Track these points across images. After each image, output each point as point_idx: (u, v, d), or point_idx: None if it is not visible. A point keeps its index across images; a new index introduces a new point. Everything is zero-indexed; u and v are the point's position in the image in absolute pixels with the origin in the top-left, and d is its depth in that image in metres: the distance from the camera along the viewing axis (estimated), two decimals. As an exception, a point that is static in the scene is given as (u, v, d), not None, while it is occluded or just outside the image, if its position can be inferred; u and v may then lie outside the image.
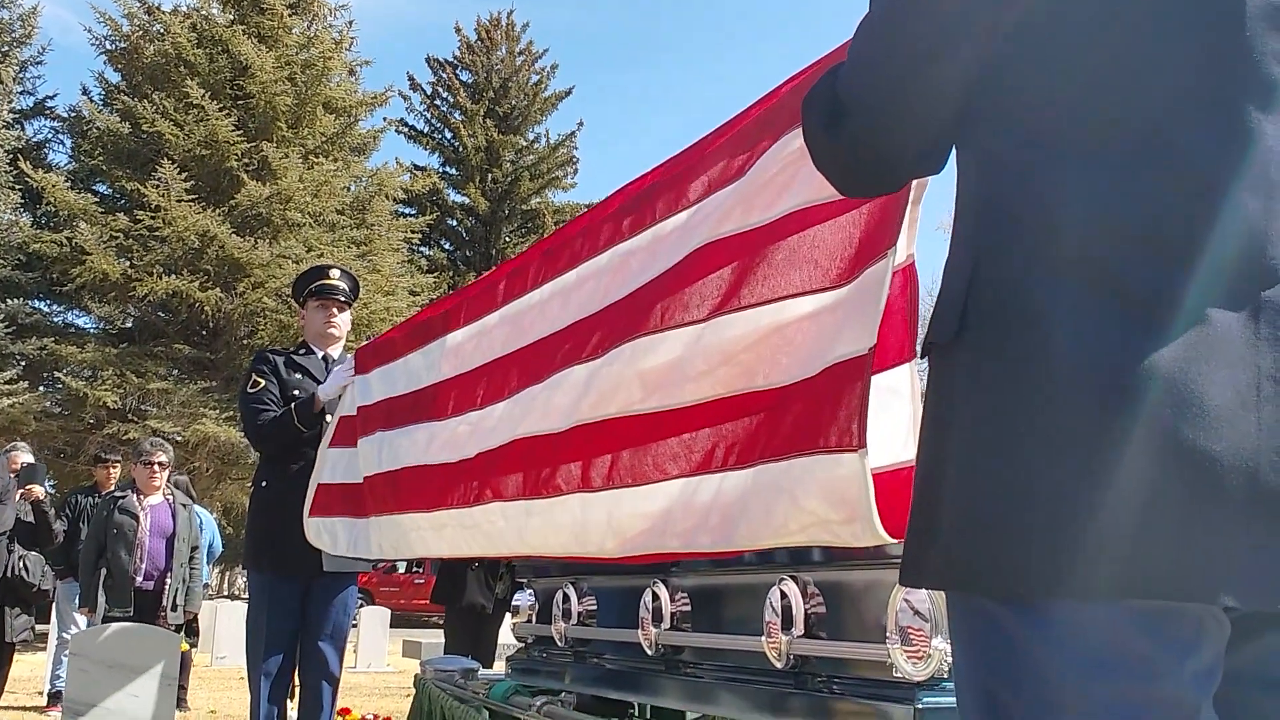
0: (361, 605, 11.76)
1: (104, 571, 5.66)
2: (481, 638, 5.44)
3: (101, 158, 16.66)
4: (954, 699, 1.85)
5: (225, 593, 26.49)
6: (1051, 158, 0.94)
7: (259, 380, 3.97)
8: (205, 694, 8.16)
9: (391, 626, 12.73)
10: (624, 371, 2.08)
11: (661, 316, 1.99)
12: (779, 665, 2.12)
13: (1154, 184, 0.91)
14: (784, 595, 2.13)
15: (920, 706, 1.80)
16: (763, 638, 2.15)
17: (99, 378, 15.13)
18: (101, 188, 17.23)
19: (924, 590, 1.84)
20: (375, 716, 4.84)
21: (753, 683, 2.24)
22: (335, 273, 4.13)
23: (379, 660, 11.61)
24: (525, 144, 28.98)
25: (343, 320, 4.13)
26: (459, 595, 5.36)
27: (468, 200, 28.08)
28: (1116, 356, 0.88)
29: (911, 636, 1.84)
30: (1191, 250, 0.89)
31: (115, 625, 3.95)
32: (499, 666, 5.23)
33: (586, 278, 2.41)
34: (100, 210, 15.76)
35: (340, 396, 3.73)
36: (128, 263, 15.19)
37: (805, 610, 2.09)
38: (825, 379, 1.57)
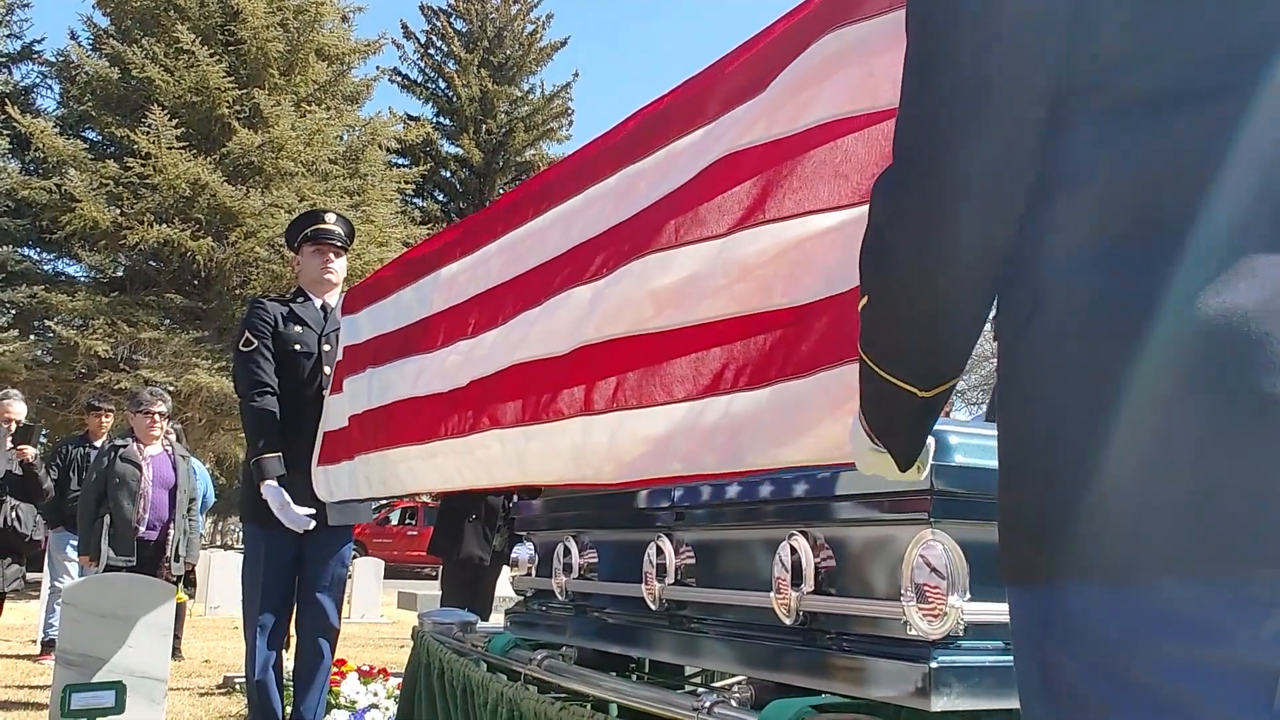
0: (355, 557, 11.76)
1: (107, 520, 5.62)
2: (479, 590, 5.41)
3: (91, 103, 16.42)
4: (969, 657, 1.82)
5: (218, 542, 26.57)
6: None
7: (252, 339, 3.86)
8: (199, 644, 8.16)
9: (385, 578, 12.75)
10: (633, 290, 1.99)
11: (676, 232, 1.89)
12: (788, 621, 2.07)
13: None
14: (794, 550, 2.08)
15: (935, 665, 1.75)
16: (771, 593, 2.10)
17: (90, 326, 15.02)
18: (91, 134, 17.00)
19: (940, 546, 1.80)
20: (371, 668, 4.81)
21: (760, 639, 2.19)
22: (331, 217, 4.02)
23: (373, 611, 11.65)
24: (520, 95, 28.73)
25: (339, 266, 4.03)
26: (456, 547, 5.32)
27: (461, 151, 27.86)
28: (1186, 317, 0.85)
29: (927, 594, 1.79)
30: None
31: (109, 575, 3.90)
32: (497, 619, 5.22)
33: (591, 202, 2.31)
34: (90, 157, 15.55)
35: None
36: (118, 210, 15.02)
37: (816, 565, 2.04)
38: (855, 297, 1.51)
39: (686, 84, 2.07)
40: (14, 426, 5.92)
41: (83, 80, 16.71)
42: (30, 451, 5.94)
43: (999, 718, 2.01)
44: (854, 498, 1.97)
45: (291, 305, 3.97)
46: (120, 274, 16.70)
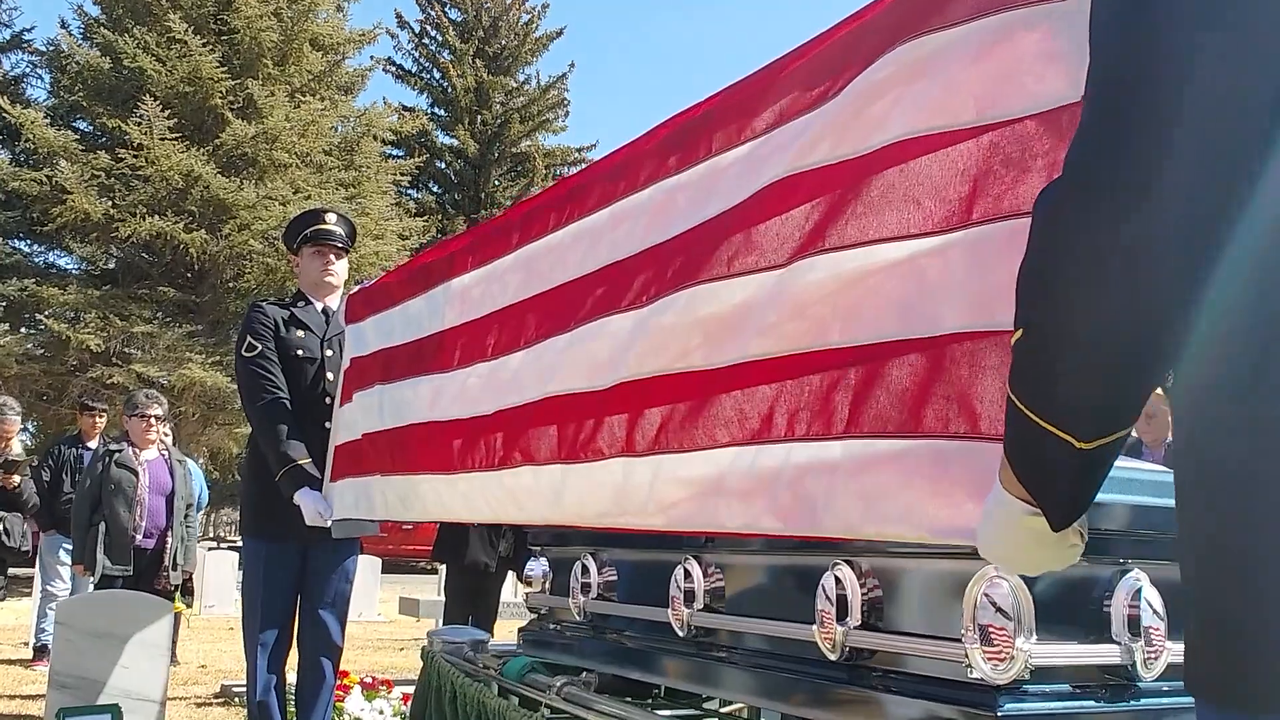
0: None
1: (102, 528, 5.46)
2: (483, 597, 5.29)
3: (82, 93, 16.19)
4: (1036, 704, 1.70)
5: (210, 535, 26.41)
6: None
7: (255, 343, 3.70)
8: (195, 646, 8.02)
9: (382, 573, 12.61)
10: (679, 322, 1.82)
11: (727, 261, 1.72)
12: (832, 657, 1.95)
13: None
14: (839, 581, 1.95)
15: (1002, 714, 1.63)
16: (814, 626, 1.98)
17: (81, 320, 14.82)
18: (82, 125, 16.77)
19: (1006, 584, 1.67)
20: (374, 679, 4.68)
21: (801, 674, 2.06)
22: (331, 217, 3.86)
23: (370, 610, 11.51)
24: (515, 85, 28.51)
25: (340, 268, 3.87)
26: (461, 553, 5.19)
27: (456, 142, 27.66)
28: None
29: (992, 635, 1.66)
30: None
31: (103, 593, 3.76)
32: (501, 625, 5.10)
33: (621, 218, 2.14)
34: (81, 148, 15.33)
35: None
36: (110, 202, 14.81)
37: (863, 598, 1.92)
38: (942, 345, 1.33)
39: (733, 89, 1.90)
40: (9, 445, 5.83)
41: (73, 70, 16.48)
42: (16, 480, 5.87)
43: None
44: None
45: (293, 309, 3.81)
46: (112, 267, 16.50)
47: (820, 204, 1.55)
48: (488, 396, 2.52)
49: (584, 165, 27.23)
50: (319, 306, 3.82)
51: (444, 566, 5.74)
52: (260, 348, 3.65)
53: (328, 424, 3.57)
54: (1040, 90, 1.23)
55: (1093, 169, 0.84)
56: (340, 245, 3.83)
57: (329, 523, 3.39)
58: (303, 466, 3.47)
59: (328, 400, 3.63)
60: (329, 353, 3.71)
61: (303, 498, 3.42)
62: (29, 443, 12.95)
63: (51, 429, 16.43)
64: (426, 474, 2.79)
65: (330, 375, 3.66)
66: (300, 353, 3.67)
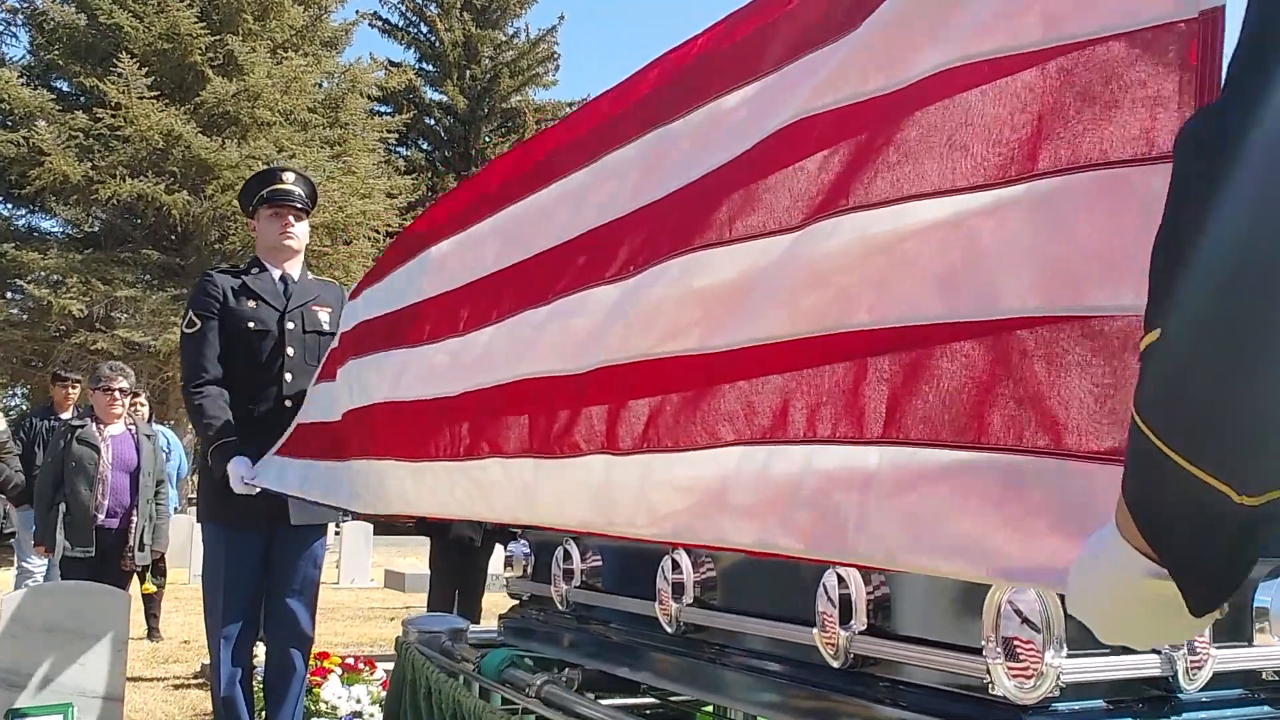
0: (343, 519, 11.48)
1: (62, 508, 5.24)
2: (470, 571, 5.12)
3: (58, 52, 15.84)
4: (1068, 724, 1.51)
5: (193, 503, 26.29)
6: None
7: (195, 320, 3.45)
8: (180, 618, 7.86)
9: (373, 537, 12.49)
10: (670, 295, 1.55)
11: (728, 222, 1.44)
12: (835, 664, 1.76)
13: None
14: (842, 580, 1.75)
15: (1029, 736, 1.43)
16: (815, 630, 1.78)
17: (64, 285, 14.58)
18: (59, 84, 16.43)
19: (1033, 594, 1.47)
20: (356, 659, 4.50)
21: (800, 681, 1.87)
22: (289, 176, 3.58)
23: (362, 576, 11.39)
24: (504, 39, 28.08)
25: (300, 230, 3.60)
26: (446, 527, 5.02)
27: (445, 98, 27.26)
28: None
29: (1019, 650, 1.46)
30: None
31: (54, 585, 3.56)
32: (491, 599, 4.92)
33: (608, 173, 1.86)
34: (58, 108, 15.01)
35: None
36: (89, 164, 14.51)
37: (869, 600, 1.72)
38: (1002, 330, 1.05)
39: (735, 18, 1.58)
40: None
41: (49, 28, 16.09)
42: None
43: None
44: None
45: (244, 278, 3.54)
46: (94, 230, 16.24)
47: (843, 150, 1.27)
48: (456, 376, 2.28)
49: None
50: (277, 274, 3.56)
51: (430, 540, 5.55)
52: (200, 325, 3.41)
53: (289, 402, 3.36)
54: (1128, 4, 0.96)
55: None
56: (299, 206, 3.56)
57: (254, 486, 3.21)
58: (230, 442, 3.29)
59: (288, 377, 3.40)
60: (290, 325, 3.46)
61: (232, 466, 3.26)
62: (12, 414, 12.73)
63: (41, 396, 16.23)
64: (391, 460, 2.56)
65: (291, 350, 3.42)
66: (252, 325, 3.41)
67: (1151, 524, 0.74)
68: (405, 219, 19.71)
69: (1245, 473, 0.66)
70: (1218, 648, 1.58)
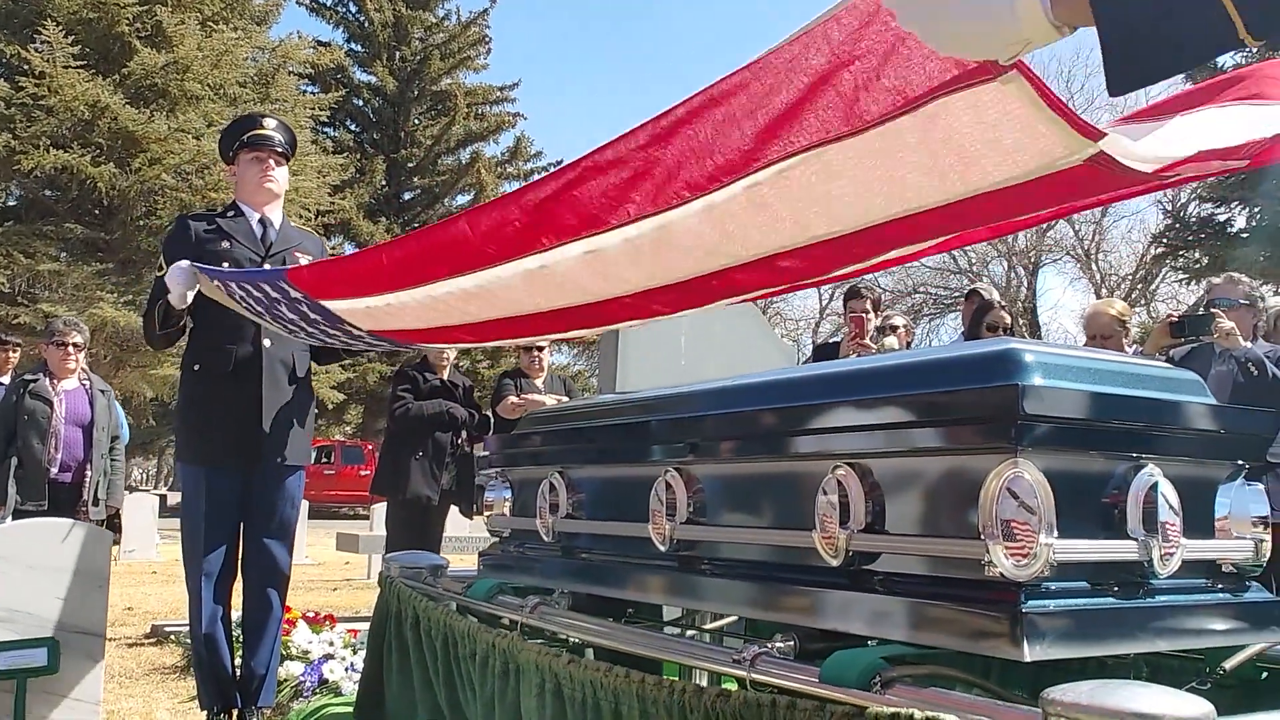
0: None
1: (14, 461, 5.16)
2: (427, 531, 5.16)
3: (-24, 18, 15.33)
4: (1060, 601, 1.64)
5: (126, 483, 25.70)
6: None
7: (164, 264, 3.46)
8: (118, 590, 7.74)
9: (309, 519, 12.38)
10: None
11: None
12: (834, 563, 1.87)
13: None
14: (840, 485, 1.87)
15: (1027, 610, 1.56)
16: (814, 531, 1.89)
17: (-17, 258, 14.16)
18: (-22, 52, 15.89)
19: (1028, 477, 1.60)
20: (316, 614, 4.53)
21: (798, 581, 1.98)
22: (270, 122, 3.61)
23: (298, 552, 11.30)
24: (435, 21, 27.84)
25: (281, 175, 3.63)
26: (402, 486, 5.05)
27: (375, 79, 26.96)
28: None
29: (1015, 531, 1.59)
30: None
31: (36, 520, 3.54)
32: (457, 560, 4.94)
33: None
34: (-23, 76, 14.55)
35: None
36: (10, 134, 14.09)
37: (866, 499, 1.84)
38: None
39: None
40: None
41: (-33, -7, 15.57)
42: None
43: (1089, 666, 1.85)
44: (914, 425, 1.77)
45: (218, 220, 3.55)
46: (14, 203, 15.76)
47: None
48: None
49: (506, 104, 26.39)
50: (255, 217, 3.59)
51: (383, 504, 5.58)
52: (167, 270, 3.42)
53: (268, 342, 3.39)
54: None
55: None
56: (280, 151, 3.60)
57: (191, 283, 3.24)
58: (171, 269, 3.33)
59: (262, 326, 3.43)
60: (268, 268, 3.49)
61: (172, 270, 3.29)
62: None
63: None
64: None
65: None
66: (226, 265, 3.44)
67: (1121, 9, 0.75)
68: (335, 198, 19.49)
69: (1268, 18, 0.68)
70: (1187, 538, 1.74)
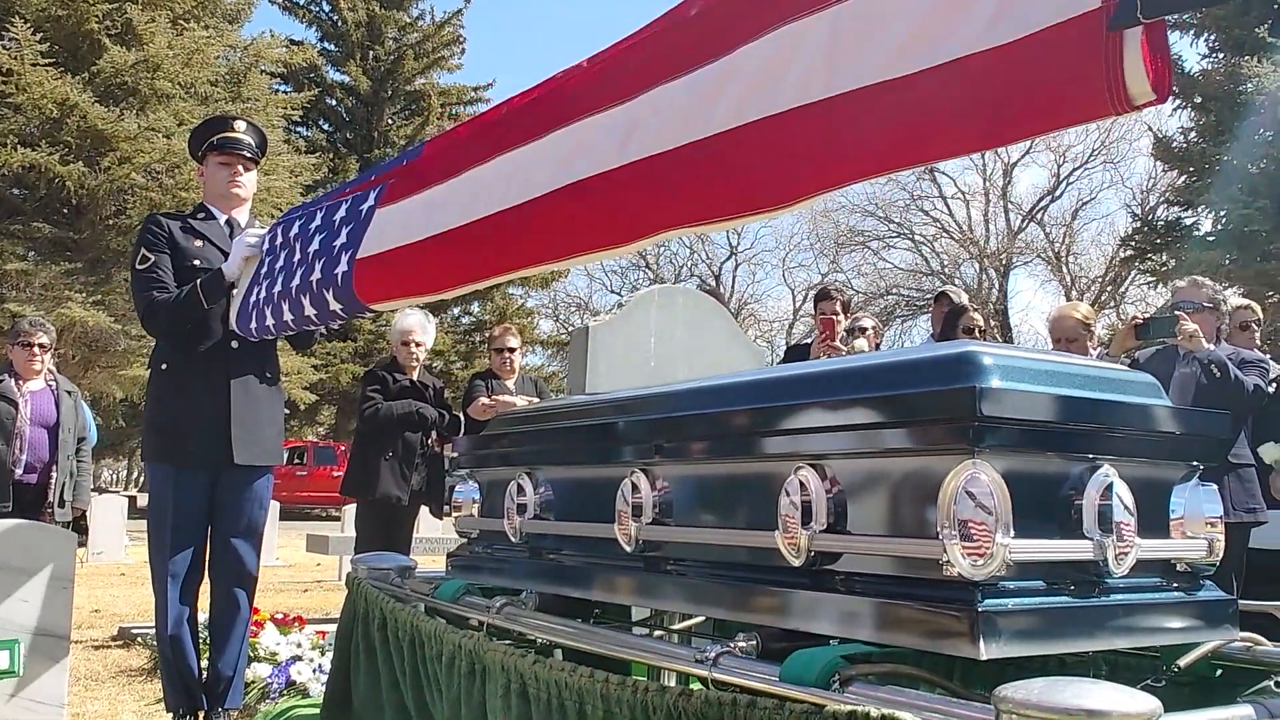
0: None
1: None
2: (396, 531, 5.14)
3: (-58, 14, 15.14)
4: (1016, 600, 1.66)
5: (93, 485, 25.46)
6: None
7: (148, 255, 3.46)
8: (85, 592, 7.69)
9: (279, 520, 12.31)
10: None
11: None
12: (796, 562, 1.89)
13: None
14: (803, 486, 1.89)
15: (983, 609, 1.58)
16: (777, 532, 1.91)
17: (-52, 257, 13.98)
18: (-56, 48, 15.69)
19: (984, 478, 1.62)
20: (285, 616, 4.51)
21: (761, 581, 2.00)
22: (241, 124, 3.61)
23: (268, 554, 11.22)
24: (409, 20, 27.75)
25: (249, 180, 3.63)
26: (372, 486, 5.04)
27: (348, 79, 26.82)
28: None
29: (972, 531, 1.61)
30: None
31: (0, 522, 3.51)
32: (429, 561, 4.94)
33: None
34: (-57, 73, 14.36)
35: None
36: (-24, 132, 13.94)
37: (829, 500, 1.85)
38: None
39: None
40: None
41: (-68, -11, 15.37)
42: None
43: (1050, 664, 1.87)
44: (875, 426, 1.79)
45: (190, 220, 3.57)
46: (-20, 202, 15.57)
47: None
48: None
49: (480, 104, 26.55)
50: (222, 219, 3.59)
51: (353, 505, 5.56)
52: (154, 259, 3.42)
53: (234, 343, 3.38)
54: None
55: None
56: (249, 155, 3.59)
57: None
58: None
59: (231, 322, 3.42)
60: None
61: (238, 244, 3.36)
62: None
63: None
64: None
65: (236, 293, 3.45)
66: (197, 263, 3.44)
67: None
68: (307, 197, 19.36)
69: None
70: (1142, 538, 1.77)
